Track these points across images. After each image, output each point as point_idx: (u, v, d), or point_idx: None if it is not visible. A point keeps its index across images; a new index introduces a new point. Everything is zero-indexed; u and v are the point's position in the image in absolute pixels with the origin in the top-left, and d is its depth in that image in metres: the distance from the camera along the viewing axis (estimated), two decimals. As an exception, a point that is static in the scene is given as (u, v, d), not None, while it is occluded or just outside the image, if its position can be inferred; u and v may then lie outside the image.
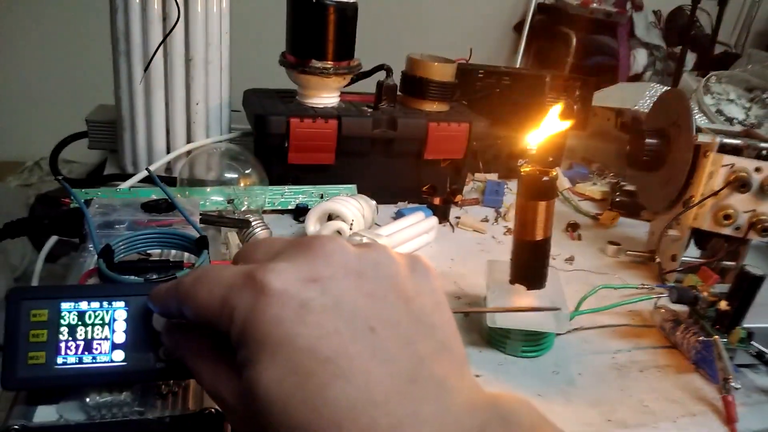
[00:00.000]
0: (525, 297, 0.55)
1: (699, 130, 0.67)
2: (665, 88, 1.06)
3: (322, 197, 0.79)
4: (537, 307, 0.53)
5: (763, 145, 0.67)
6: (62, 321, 0.33)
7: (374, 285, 0.26)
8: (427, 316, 0.26)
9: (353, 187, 0.80)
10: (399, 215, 0.80)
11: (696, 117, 0.69)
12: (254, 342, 0.24)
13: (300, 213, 0.77)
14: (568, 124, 0.53)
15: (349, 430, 0.22)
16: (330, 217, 0.71)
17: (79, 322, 0.33)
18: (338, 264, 0.26)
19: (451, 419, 0.23)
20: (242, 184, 0.73)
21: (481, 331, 0.58)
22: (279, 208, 0.78)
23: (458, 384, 0.24)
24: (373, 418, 0.22)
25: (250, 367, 0.24)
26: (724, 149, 0.67)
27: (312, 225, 0.69)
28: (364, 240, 0.64)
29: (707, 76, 1.16)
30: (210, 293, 0.26)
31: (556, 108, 0.53)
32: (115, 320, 0.34)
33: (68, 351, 0.33)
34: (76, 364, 0.33)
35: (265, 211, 0.75)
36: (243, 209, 0.68)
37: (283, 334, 0.23)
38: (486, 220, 0.85)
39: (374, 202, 0.75)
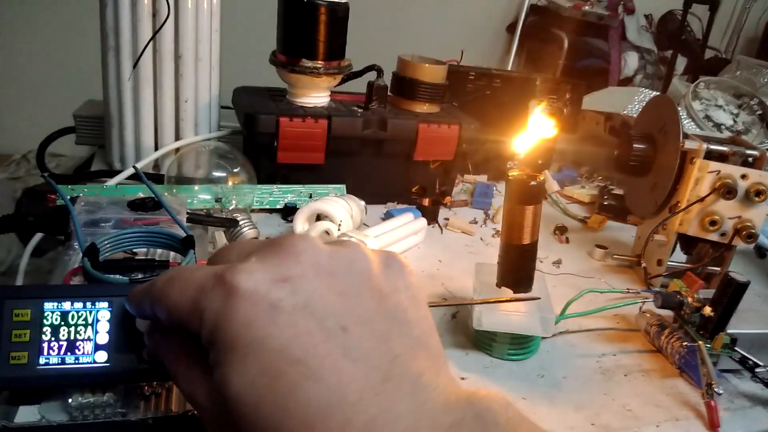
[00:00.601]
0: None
1: (686, 136, 0.68)
2: (654, 93, 1.07)
3: (311, 197, 0.79)
4: (517, 297, 0.53)
5: (749, 152, 0.68)
6: (45, 321, 0.33)
7: (346, 283, 0.26)
8: (401, 313, 0.26)
9: (342, 187, 0.80)
10: (388, 216, 0.80)
11: (684, 122, 0.70)
12: (224, 344, 0.24)
13: (288, 212, 0.76)
14: (553, 130, 0.53)
15: (321, 430, 0.22)
16: (319, 217, 0.71)
17: (63, 323, 0.33)
18: (309, 263, 0.25)
19: (425, 416, 0.23)
20: (231, 183, 0.73)
21: (468, 334, 0.58)
22: (267, 207, 0.78)
23: (434, 380, 0.24)
24: (346, 418, 0.22)
25: (221, 368, 0.24)
26: (710, 156, 0.67)
27: (300, 225, 0.69)
28: (353, 240, 0.64)
29: (696, 81, 1.17)
30: (181, 294, 0.26)
31: (539, 109, 0.53)
32: (98, 321, 0.33)
33: (51, 351, 0.33)
34: (58, 364, 0.33)
35: (253, 210, 0.75)
36: (231, 208, 0.68)
37: (253, 336, 0.23)
38: (475, 221, 0.85)
39: (363, 203, 0.75)
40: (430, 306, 0.28)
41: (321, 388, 0.22)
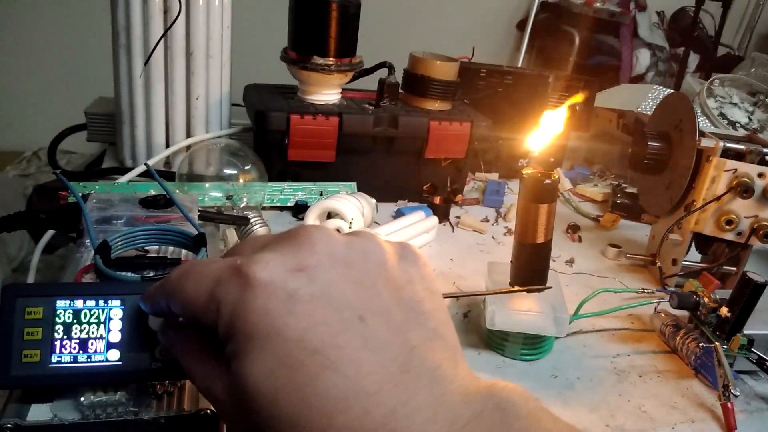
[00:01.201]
0: (525, 300, 0.54)
1: (702, 134, 0.67)
2: (668, 90, 1.05)
3: (321, 195, 0.78)
4: (529, 288, 0.53)
5: (766, 150, 0.67)
6: (57, 319, 0.33)
7: (362, 273, 0.25)
8: (417, 304, 0.26)
9: (353, 184, 0.80)
10: (399, 214, 0.80)
11: (699, 120, 0.68)
12: (242, 334, 0.23)
13: (299, 210, 0.76)
14: (562, 125, 0.53)
15: (340, 421, 0.21)
16: (329, 215, 0.70)
17: (75, 321, 0.33)
18: (325, 252, 0.25)
19: (444, 408, 0.22)
20: (241, 180, 0.72)
21: (480, 333, 0.57)
22: (278, 204, 0.77)
23: (451, 372, 0.24)
24: (365, 409, 0.22)
25: (239, 360, 0.23)
26: (727, 154, 0.66)
27: (311, 222, 0.69)
28: (368, 231, 0.63)
29: (710, 79, 1.16)
30: (196, 287, 0.25)
31: (560, 113, 0.52)
32: (110, 319, 0.33)
33: (63, 349, 0.33)
34: (70, 362, 0.33)
35: (264, 208, 0.75)
36: (242, 205, 0.68)
37: (271, 326, 0.23)
38: (486, 220, 0.85)
39: (374, 201, 0.75)
40: (444, 297, 0.28)
41: (340, 378, 0.22)
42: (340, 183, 0.80)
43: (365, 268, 0.25)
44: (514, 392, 0.23)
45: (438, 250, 0.75)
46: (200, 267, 0.26)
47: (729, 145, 0.67)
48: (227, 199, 0.69)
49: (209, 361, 0.26)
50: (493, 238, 0.80)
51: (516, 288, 0.53)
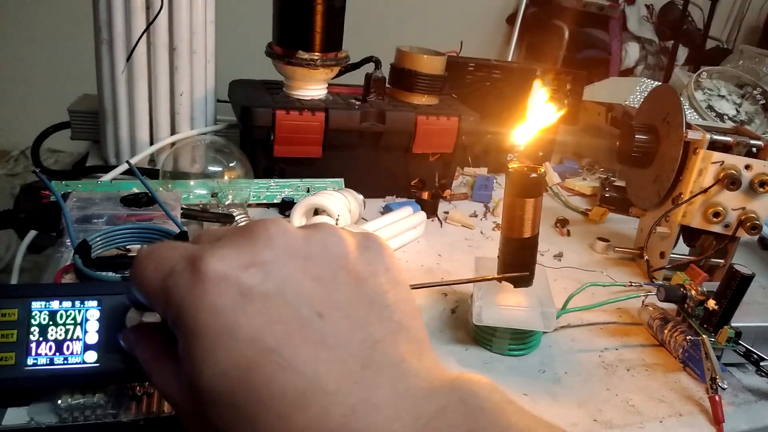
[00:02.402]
0: (512, 295, 0.54)
1: (689, 126, 0.67)
2: (656, 83, 1.05)
3: (308, 191, 0.78)
4: (503, 276, 0.52)
5: (753, 142, 0.67)
6: (33, 321, 0.32)
7: (322, 267, 0.24)
8: (381, 297, 0.25)
9: (340, 180, 0.79)
10: (387, 210, 0.79)
11: (687, 112, 0.68)
12: (191, 332, 0.23)
13: (286, 207, 0.76)
14: (555, 117, 0.52)
15: (299, 421, 0.21)
16: (316, 212, 0.70)
17: (51, 322, 0.32)
18: (281, 247, 0.24)
19: (407, 404, 0.22)
20: (227, 177, 0.72)
21: (468, 329, 0.57)
22: (264, 202, 0.77)
23: (416, 365, 0.23)
24: (324, 408, 0.21)
25: (191, 360, 0.23)
26: (714, 146, 0.66)
27: (297, 219, 0.68)
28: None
29: (698, 71, 1.16)
30: (154, 273, 0.24)
31: (542, 95, 0.52)
32: (87, 320, 0.32)
33: (39, 351, 0.32)
34: (47, 365, 0.32)
35: (250, 205, 0.74)
36: (227, 203, 0.67)
37: (221, 325, 0.22)
38: (475, 215, 0.84)
39: (361, 197, 0.74)
40: (414, 288, 0.27)
41: (297, 377, 0.21)
42: (327, 179, 0.79)
43: (325, 261, 0.25)
44: (478, 384, 0.23)
45: (426, 246, 0.74)
46: (162, 250, 0.25)
47: (716, 137, 0.66)
48: (212, 196, 0.69)
49: (168, 361, 0.25)
50: (481, 233, 0.80)
51: (488, 277, 0.52)
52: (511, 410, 0.22)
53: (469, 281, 0.51)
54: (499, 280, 0.52)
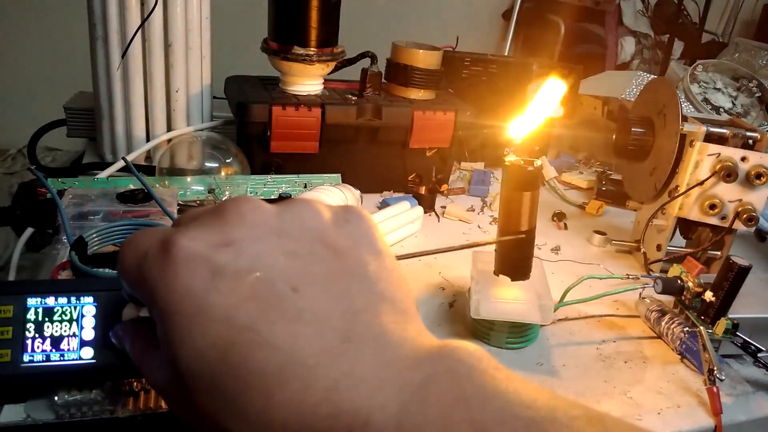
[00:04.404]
0: (510, 289, 0.54)
1: (685, 119, 0.67)
2: (652, 76, 1.05)
3: (305, 187, 0.77)
4: (500, 239, 0.52)
5: (749, 134, 0.67)
6: (28, 317, 0.32)
7: (297, 242, 0.24)
8: (362, 269, 0.24)
9: (337, 176, 0.79)
10: (384, 205, 0.79)
11: (683, 106, 0.68)
12: (165, 315, 0.23)
13: (283, 203, 0.75)
14: (553, 110, 0.52)
15: (279, 397, 0.21)
16: (313, 207, 0.70)
17: (47, 319, 0.32)
18: (253, 224, 0.24)
19: (391, 375, 0.21)
20: (224, 174, 0.71)
21: (466, 323, 0.57)
22: (261, 197, 0.76)
23: (400, 336, 0.23)
24: (304, 383, 0.21)
25: (168, 344, 0.23)
26: (710, 138, 0.66)
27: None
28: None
29: (694, 64, 1.16)
30: (132, 257, 0.24)
31: (560, 90, 0.51)
32: (83, 316, 0.32)
33: (35, 348, 0.32)
34: (43, 361, 0.32)
35: (247, 201, 0.74)
36: (224, 199, 0.67)
37: (195, 305, 0.22)
38: (472, 209, 0.84)
39: (358, 192, 0.74)
40: (400, 258, 0.27)
41: (274, 354, 0.21)
42: (324, 174, 0.79)
43: (300, 235, 0.24)
44: (466, 352, 0.22)
45: (424, 241, 0.74)
46: (139, 236, 0.25)
47: (712, 129, 0.66)
48: (209, 192, 0.68)
49: (157, 353, 0.25)
50: (479, 227, 0.80)
51: (480, 242, 0.52)
52: (500, 377, 0.21)
53: (462, 247, 0.50)
54: (498, 242, 0.51)
